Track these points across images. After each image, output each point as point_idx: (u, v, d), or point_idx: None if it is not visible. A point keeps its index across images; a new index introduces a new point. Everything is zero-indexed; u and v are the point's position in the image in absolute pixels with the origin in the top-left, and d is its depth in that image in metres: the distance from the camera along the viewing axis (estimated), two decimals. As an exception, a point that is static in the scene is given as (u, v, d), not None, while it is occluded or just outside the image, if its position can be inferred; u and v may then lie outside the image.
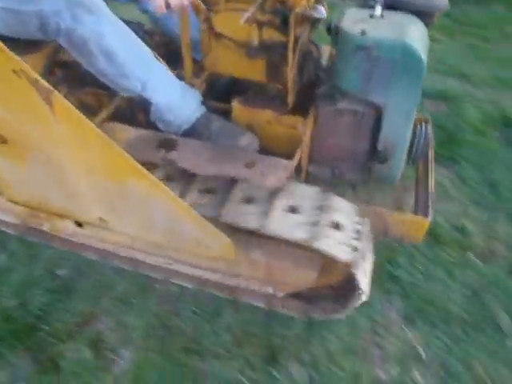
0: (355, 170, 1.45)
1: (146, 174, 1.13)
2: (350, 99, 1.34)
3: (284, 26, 1.24)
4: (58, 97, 1.04)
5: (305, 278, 1.37)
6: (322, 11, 1.22)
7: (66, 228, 1.63)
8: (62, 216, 1.49)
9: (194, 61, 1.53)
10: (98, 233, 1.58)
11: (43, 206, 1.41)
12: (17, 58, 1.01)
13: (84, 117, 1.08)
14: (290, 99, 1.39)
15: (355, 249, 1.24)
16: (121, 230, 1.39)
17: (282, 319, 1.51)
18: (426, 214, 1.36)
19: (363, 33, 1.22)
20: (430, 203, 1.40)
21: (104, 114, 1.55)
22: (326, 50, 1.60)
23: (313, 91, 1.42)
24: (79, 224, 1.57)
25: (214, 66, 1.43)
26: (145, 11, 1.71)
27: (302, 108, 1.42)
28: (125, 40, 1.32)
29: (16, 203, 1.47)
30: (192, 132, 1.43)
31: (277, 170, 1.28)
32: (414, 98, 1.29)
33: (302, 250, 1.35)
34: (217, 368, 1.41)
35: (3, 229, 1.77)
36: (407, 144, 1.36)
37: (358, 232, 1.28)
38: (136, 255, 1.62)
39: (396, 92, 1.27)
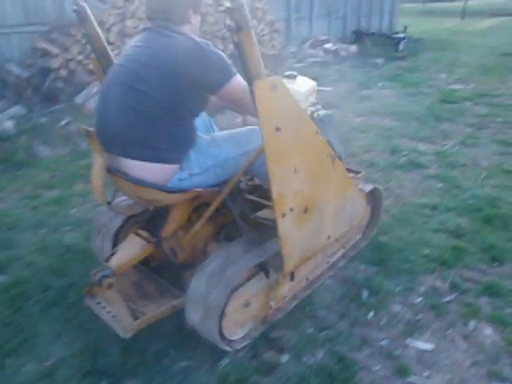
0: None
1: (352, 180, 2.05)
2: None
3: None
4: (336, 157, 1.80)
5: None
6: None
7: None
8: (309, 258, 1.90)
9: None
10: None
11: (303, 258, 1.82)
12: (325, 141, 1.68)
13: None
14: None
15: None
16: (335, 238, 2.00)
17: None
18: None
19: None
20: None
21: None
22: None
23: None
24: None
25: None
26: None
27: None
28: None
29: (291, 271, 1.85)
30: None
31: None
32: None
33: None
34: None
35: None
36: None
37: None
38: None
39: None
